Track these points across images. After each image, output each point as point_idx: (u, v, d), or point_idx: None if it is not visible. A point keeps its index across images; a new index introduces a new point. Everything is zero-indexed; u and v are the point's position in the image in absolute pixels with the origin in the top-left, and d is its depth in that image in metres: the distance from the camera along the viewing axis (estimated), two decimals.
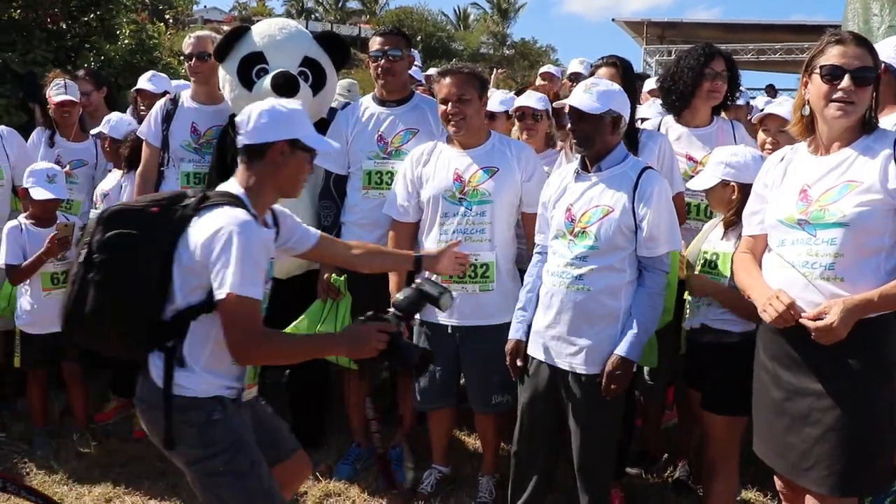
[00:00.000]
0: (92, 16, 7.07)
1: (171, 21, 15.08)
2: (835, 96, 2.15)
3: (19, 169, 3.94)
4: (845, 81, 2.13)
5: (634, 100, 3.10)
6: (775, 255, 2.31)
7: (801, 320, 2.16)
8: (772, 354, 2.33)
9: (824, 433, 2.16)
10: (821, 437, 2.17)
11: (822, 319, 2.11)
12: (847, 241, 2.13)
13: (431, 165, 3.19)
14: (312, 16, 52.42)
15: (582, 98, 2.64)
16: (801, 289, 2.20)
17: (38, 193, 3.58)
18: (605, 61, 3.22)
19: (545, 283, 2.83)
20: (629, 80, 3.12)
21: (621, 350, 2.62)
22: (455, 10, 54.72)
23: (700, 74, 3.30)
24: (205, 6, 38.36)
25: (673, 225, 2.72)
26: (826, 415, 2.16)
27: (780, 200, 2.32)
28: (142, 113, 4.43)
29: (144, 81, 4.71)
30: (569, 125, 2.78)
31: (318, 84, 3.51)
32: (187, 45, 3.80)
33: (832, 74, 2.15)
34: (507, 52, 45.51)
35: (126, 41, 6.70)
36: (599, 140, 2.67)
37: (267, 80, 3.35)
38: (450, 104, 3.07)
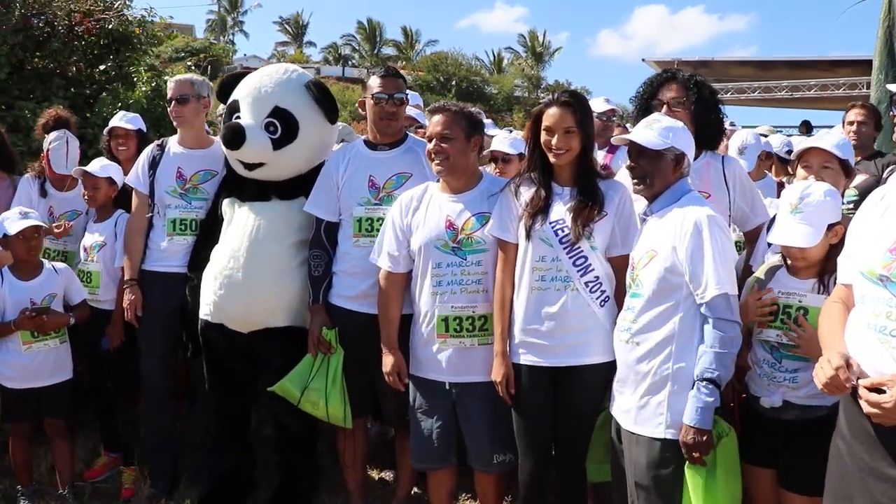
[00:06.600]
0: (110, 63, 7.15)
1: (209, 69, 15.41)
2: None
3: None
4: None
5: (592, 138, 2.86)
6: (856, 311, 1.99)
7: (860, 391, 1.84)
8: (849, 424, 2.00)
9: None
10: None
11: (879, 392, 1.79)
12: None
13: (422, 212, 3.03)
14: (349, 62, 53.76)
15: (643, 133, 2.49)
16: (870, 354, 1.88)
17: (14, 226, 3.43)
18: (556, 100, 2.78)
19: None
20: (587, 116, 2.79)
21: (686, 418, 2.37)
22: (488, 54, 55.51)
23: (646, 107, 3.01)
24: (244, 54, 39.59)
25: (723, 263, 2.38)
26: None
27: (866, 248, 1.99)
28: (120, 150, 4.18)
29: (119, 120, 4.34)
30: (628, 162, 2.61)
31: (288, 136, 3.34)
32: (168, 89, 3.73)
33: None
34: (542, 94, 45.83)
35: (143, 88, 6.76)
36: (659, 179, 2.49)
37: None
38: (433, 142, 2.93)
